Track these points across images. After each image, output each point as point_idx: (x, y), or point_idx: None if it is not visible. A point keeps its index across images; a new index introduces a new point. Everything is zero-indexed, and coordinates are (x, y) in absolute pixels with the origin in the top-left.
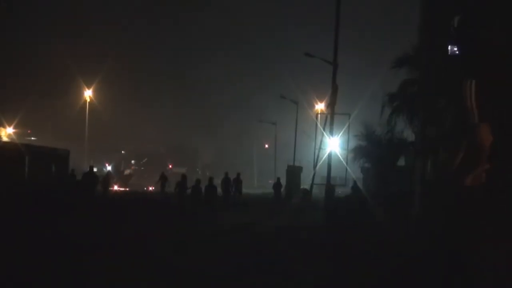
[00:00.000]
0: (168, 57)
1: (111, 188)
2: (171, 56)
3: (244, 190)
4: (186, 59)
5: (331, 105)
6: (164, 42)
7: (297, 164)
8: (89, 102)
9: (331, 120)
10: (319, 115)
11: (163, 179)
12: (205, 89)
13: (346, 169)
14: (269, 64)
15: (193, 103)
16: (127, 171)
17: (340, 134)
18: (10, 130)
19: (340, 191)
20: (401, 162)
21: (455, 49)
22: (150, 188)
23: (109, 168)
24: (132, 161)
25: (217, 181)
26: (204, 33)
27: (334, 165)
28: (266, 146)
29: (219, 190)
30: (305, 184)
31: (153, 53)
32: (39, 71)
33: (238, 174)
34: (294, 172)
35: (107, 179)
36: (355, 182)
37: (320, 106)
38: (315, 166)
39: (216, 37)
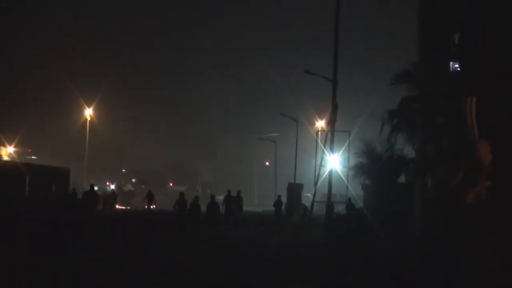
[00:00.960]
0: (166, 75)
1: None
2: (169, 74)
3: (245, 208)
4: (184, 77)
5: (331, 123)
6: (162, 60)
7: (298, 181)
8: (89, 120)
9: (331, 138)
10: (319, 132)
11: (150, 197)
12: (203, 106)
13: (347, 186)
14: (268, 82)
15: (192, 121)
16: (126, 188)
17: (340, 152)
18: (10, 149)
19: (340, 208)
20: (402, 179)
21: (456, 65)
22: (152, 207)
23: (112, 187)
24: (133, 180)
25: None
26: (202, 50)
27: (335, 182)
28: (267, 163)
29: (222, 208)
30: (306, 201)
31: (151, 73)
32: (39, 90)
33: (239, 192)
34: (295, 190)
35: (112, 197)
36: (349, 200)
37: (320, 124)
38: (316, 183)
39: (214, 53)
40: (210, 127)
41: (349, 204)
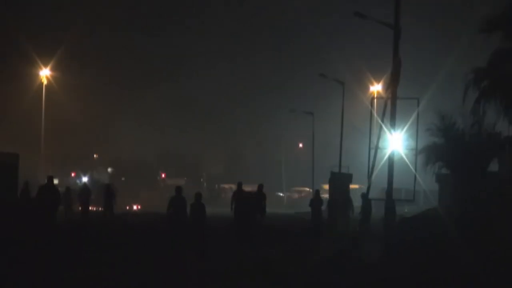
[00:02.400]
0: (157, 25)
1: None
2: (164, 38)
3: (269, 209)
4: (181, 26)
5: (392, 86)
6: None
7: (344, 170)
8: (46, 85)
9: (392, 108)
10: (375, 100)
11: (109, 194)
12: (209, 69)
13: (415, 177)
14: (304, 34)
15: (193, 91)
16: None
17: (405, 128)
18: None
19: (406, 209)
20: (494, 166)
21: None
22: (135, 208)
23: (85, 179)
24: (109, 169)
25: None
26: None
27: (398, 172)
28: (300, 145)
29: (228, 210)
30: (355, 200)
31: (135, 25)
32: None
33: (260, 187)
34: (340, 182)
35: (85, 195)
36: (365, 193)
37: (376, 88)
38: (370, 173)
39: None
40: (220, 99)
41: (365, 196)
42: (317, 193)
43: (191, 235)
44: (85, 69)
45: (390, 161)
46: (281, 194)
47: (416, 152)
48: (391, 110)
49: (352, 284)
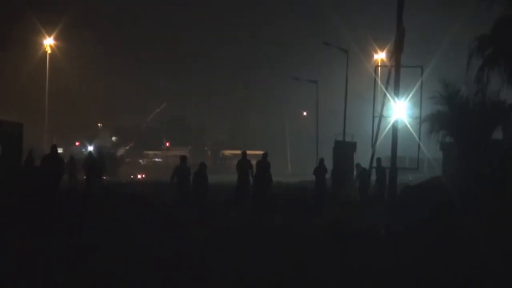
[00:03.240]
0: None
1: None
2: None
3: (274, 178)
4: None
5: (395, 54)
6: None
7: (348, 139)
8: (50, 54)
9: (396, 76)
10: (379, 68)
11: (71, 164)
12: (210, 38)
13: (419, 145)
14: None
15: (195, 59)
16: (119, 152)
17: (409, 96)
18: None
19: (411, 177)
20: (498, 135)
21: None
22: (139, 176)
23: (90, 148)
24: (113, 138)
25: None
26: None
27: (402, 140)
28: (304, 113)
29: (234, 178)
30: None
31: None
32: None
33: (265, 155)
34: (344, 151)
35: (90, 164)
36: (359, 164)
37: (380, 56)
38: (374, 142)
39: None
40: (222, 67)
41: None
42: (320, 162)
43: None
44: (88, 38)
45: (394, 129)
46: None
47: (420, 120)
48: (395, 78)
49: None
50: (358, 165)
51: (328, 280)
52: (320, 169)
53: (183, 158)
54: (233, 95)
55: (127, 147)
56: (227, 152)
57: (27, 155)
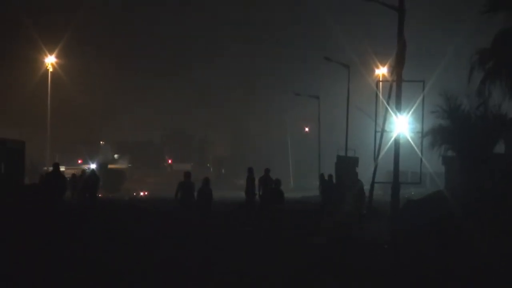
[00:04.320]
0: (164, 7)
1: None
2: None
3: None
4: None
5: (397, 69)
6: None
7: (350, 154)
8: (52, 72)
9: (397, 90)
10: (380, 83)
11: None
12: (214, 53)
13: (421, 160)
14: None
15: (198, 73)
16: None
17: (411, 111)
18: None
19: (413, 192)
20: (500, 149)
21: None
22: (142, 194)
23: (92, 166)
24: (115, 156)
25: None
26: None
27: (404, 154)
28: (306, 129)
29: (242, 193)
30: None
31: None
32: None
33: (267, 171)
34: (347, 165)
35: (91, 181)
36: (324, 176)
37: (381, 71)
38: (376, 156)
39: None
40: (223, 82)
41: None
42: (330, 177)
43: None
44: (88, 54)
45: (396, 143)
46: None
47: (422, 134)
48: (397, 93)
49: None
50: (322, 175)
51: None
52: (329, 185)
53: (187, 175)
54: (233, 110)
55: (130, 165)
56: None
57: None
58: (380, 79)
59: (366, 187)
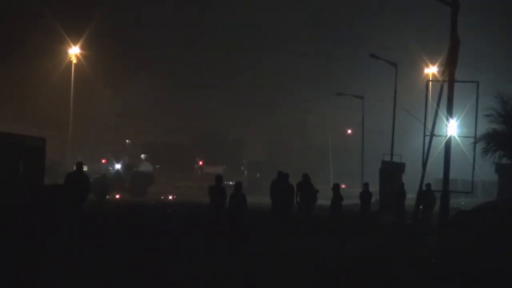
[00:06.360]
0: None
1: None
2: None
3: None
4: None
5: (449, 68)
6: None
7: (396, 159)
8: (76, 64)
9: (449, 91)
10: (430, 83)
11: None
12: (248, 48)
13: (473, 167)
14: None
15: (231, 70)
16: (143, 168)
17: (463, 114)
18: None
19: (463, 202)
20: None
21: None
22: (170, 198)
23: (118, 166)
24: (142, 156)
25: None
26: None
27: (454, 161)
28: (349, 131)
29: (267, 200)
30: (410, 190)
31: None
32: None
33: (305, 177)
34: (392, 172)
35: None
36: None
37: (431, 70)
38: (425, 163)
39: None
40: (260, 80)
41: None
42: (366, 186)
43: (230, 229)
44: (114, 47)
45: (447, 148)
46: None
47: (475, 139)
48: (448, 94)
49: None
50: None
51: None
52: (365, 194)
53: (218, 178)
54: (271, 111)
55: (157, 166)
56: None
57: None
58: (430, 79)
59: (411, 196)
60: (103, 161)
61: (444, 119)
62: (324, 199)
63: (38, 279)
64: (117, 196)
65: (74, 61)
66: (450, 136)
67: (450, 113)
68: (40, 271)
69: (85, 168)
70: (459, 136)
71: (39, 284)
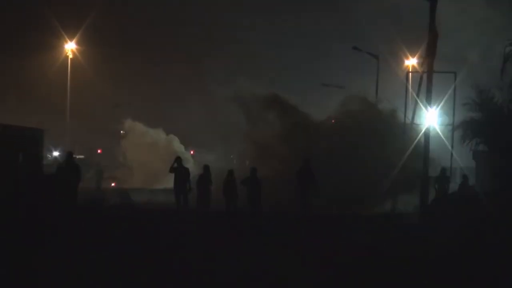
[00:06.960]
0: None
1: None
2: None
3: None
4: None
5: (428, 58)
6: None
7: None
8: (72, 59)
9: (428, 81)
10: (410, 74)
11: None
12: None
13: (451, 154)
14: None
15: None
16: None
17: (441, 103)
18: None
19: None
20: None
21: None
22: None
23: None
24: None
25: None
26: None
27: (433, 149)
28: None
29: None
30: None
31: None
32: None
33: (307, 162)
34: None
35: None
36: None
37: (411, 62)
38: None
39: None
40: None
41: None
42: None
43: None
44: (109, 42)
45: (426, 137)
46: None
47: (453, 127)
48: (427, 84)
49: None
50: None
51: None
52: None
53: (205, 168)
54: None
55: None
56: None
57: (66, 158)
58: (410, 70)
59: None
60: (99, 151)
61: (423, 108)
62: None
63: (38, 279)
64: (112, 184)
65: (70, 55)
66: (429, 125)
67: (429, 102)
68: (39, 269)
69: (81, 156)
70: (439, 125)
71: (38, 284)
